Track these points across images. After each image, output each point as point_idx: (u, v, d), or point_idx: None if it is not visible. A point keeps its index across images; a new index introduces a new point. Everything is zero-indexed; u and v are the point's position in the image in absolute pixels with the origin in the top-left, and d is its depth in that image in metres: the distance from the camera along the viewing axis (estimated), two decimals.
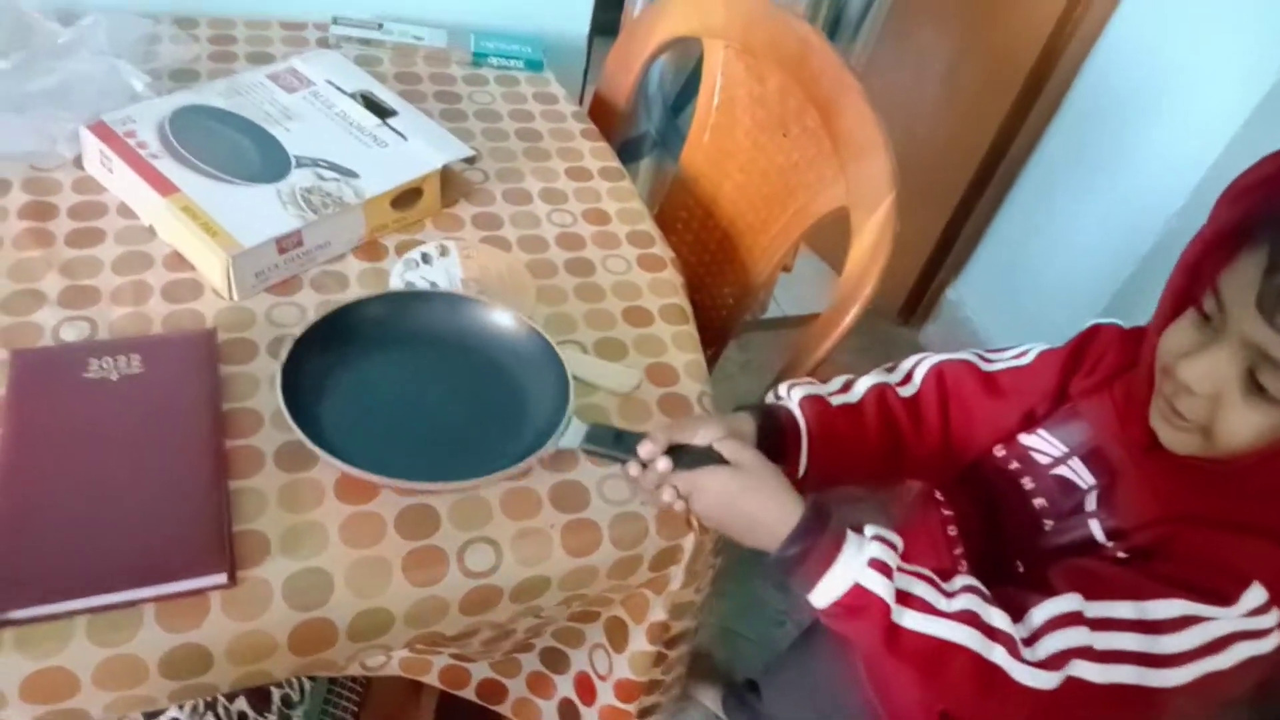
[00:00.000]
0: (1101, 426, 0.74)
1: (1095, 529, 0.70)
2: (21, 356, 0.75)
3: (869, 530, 0.67)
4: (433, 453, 0.76)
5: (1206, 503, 0.65)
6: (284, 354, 0.75)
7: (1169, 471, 0.67)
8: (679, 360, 0.90)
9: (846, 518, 0.69)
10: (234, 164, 0.90)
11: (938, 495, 0.86)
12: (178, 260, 0.87)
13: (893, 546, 0.67)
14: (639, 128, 1.62)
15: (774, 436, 0.79)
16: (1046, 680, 0.61)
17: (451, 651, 0.83)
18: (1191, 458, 0.65)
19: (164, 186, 0.86)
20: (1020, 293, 2.02)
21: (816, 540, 0.66)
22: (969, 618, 0.64)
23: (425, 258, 0.91)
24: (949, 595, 0.65)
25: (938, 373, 0.84)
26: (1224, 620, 0.61)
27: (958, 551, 0.83)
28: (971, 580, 0.67)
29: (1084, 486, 0.73)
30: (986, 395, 0.82)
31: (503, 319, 0.84)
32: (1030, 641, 0.63)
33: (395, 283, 0.89)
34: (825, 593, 0.65)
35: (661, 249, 1.01)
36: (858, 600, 0.64)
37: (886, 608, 0.63)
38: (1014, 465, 0.79)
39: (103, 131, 0.91)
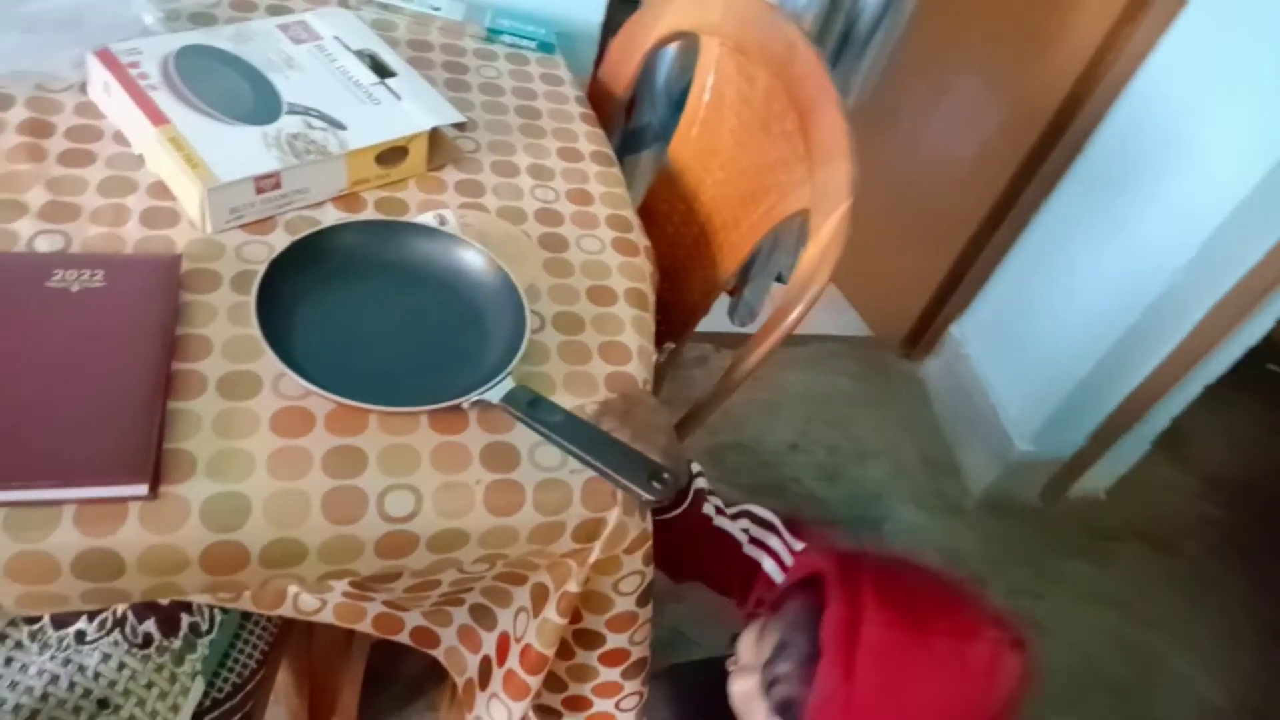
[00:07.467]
0: None
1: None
2: None
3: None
4: (378, 378, 0.78)
5: None
6: (263, 269, 0.79)
7: None
8: (633, 343, 0.90)
9: None
10: (227, 103, 0.92)
11: None
12: (161, 190, 0.89)
13: None
14: (642, 119, 1.63)
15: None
16: None
17: (384, 599, 0.84)
18: None
19: (156, 116, 0.89)
20: (1023, 334, 2.02)
21: None
22: None
23: None
24: None
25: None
26: None
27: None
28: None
29: None
30: None
31: (476, 259, 0.87)
32: None
33: None
34: None
35: (638, 236, 1.02)
36: None
37: None
38: None
39: (108, 59, 0.93)
